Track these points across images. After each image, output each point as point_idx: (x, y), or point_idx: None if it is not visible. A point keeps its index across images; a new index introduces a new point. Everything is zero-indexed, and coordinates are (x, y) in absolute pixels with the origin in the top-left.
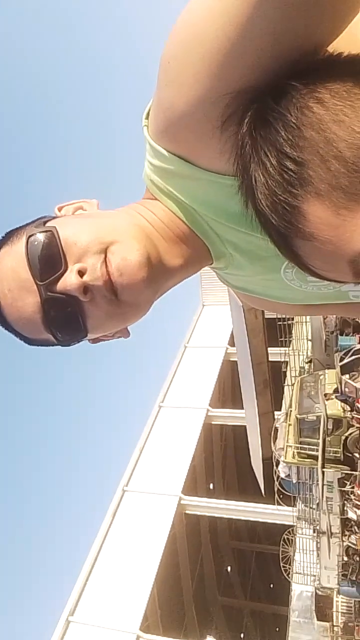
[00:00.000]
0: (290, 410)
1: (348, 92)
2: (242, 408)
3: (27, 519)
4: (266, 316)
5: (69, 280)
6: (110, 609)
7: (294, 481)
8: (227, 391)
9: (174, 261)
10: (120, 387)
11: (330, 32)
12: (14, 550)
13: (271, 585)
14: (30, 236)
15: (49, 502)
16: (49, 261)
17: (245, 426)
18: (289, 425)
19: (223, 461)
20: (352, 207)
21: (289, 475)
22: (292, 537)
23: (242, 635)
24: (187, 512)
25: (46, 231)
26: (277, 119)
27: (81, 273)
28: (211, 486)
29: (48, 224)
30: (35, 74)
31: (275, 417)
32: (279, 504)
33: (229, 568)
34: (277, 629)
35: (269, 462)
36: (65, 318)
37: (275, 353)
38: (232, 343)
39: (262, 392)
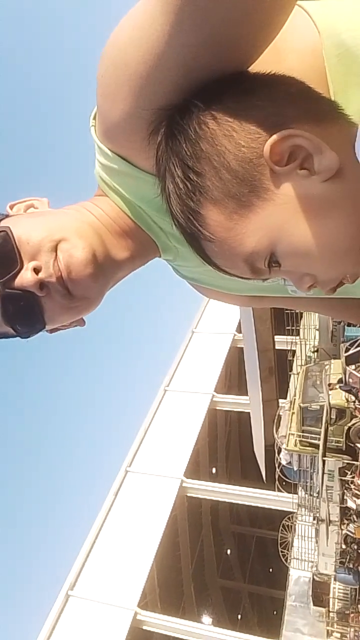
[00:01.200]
0: (295, 399)
1: (237, 110)
2: (247, 395)
3: (33, 495)
4: None
5: (26, 278)
6: (110, 585)
7: (295, 469)
8: (234, 377)
9: (121, 254)
10: (127, 370)
11: (241, 62)
12: (19, 525)
13: (270, 570)
14: None
15: (54, 480)
16: (4, 260)
17: (249, 413)
18: (292, 413)
19: (226, 446)
20: (241, 213)
21: (290, 462)
22: (291, 523)
23: (239, 617)
24: (188, 494)
25: (0, 231)
26: (181, 133)
27: (36, 270)
28: (214, 470)
29: (1, 224)
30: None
31: (280, 404)
32: (279, 490)
33: (228, 551)
34: (275, 612)
35: (271, 449)
36: (23, 312)
37: (282, 341)
38: (239, 330)
39: (266, 379)
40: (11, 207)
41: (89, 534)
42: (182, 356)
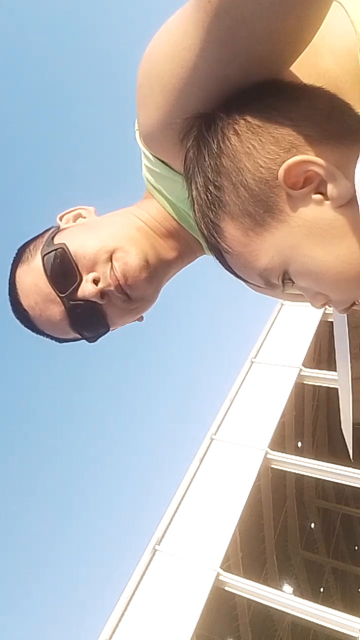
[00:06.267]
0: None
1: (259, 127)
2: (336, 370)
3: (125, 454)
4: None
5: (87, 290)
6: (194, 546)
7: None
8: (323, 352)
9: (170, 254)
10: (215, 340)
11: (273, 72)
12: (110, 481)
13: (355, 547)
14: (45, 255)
15: (144, 442)
16: (65, 275)
17: (337, 389)
18: None
19: (313, 421)
20: (257, 231)
21: None
22: None
23: (321, 590)
24: (272, 466)
25: (58, 248)
26: (205, 145)
27: (95, 281)
28: (299, 444)
29: (56, 239)
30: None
31: None
32: None
33: (312, 525)
34: (359, 590)
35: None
36: (89, 320)
37: None
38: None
39: (357, 356)
40: (60, 219)
41: (175, 494)
42: (269, 329)
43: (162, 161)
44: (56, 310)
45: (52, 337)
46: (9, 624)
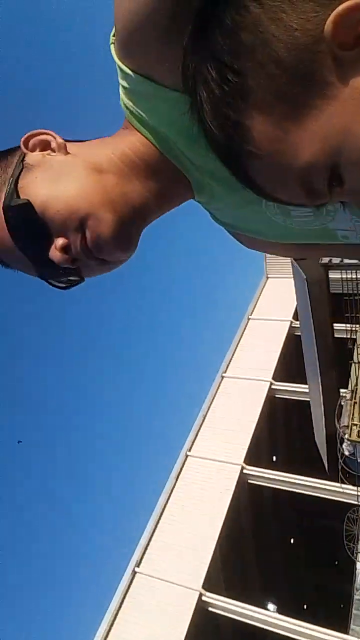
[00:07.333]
0: (356, 388)
1: None
2: (306, 382)
3: (101, 473)
4: (332, 290)
5: (56, 257)
6: (175, 566)
7: (359, 460)
8: (292, 365)
9: (150, 202)
10: (183, 355)
11: None
12: (87, 502)
13: (336, 562)
14: (7, 210)
15: (116, 463)
16: (33, 238)
17: (308, 402)
18: (355, 403)
19: (286, 435)
20: (295, 117)
21: (353, 453)
22: (356, 516)
23: (305, 607)
24: (249, 481)
25: (22, 205)
26: (214, 25)
27: (65, 250)
28: (274, 459)
29: (21, 187)
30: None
31: (341, 394)
32: (343, 482)
33: (292, 540)
34: (342, 606)
35: (333, 440)
36: (62, 277)
37: (341, 329)
38: (297, 317)
39: (325, 368)
40: (26, 144)
41: (152, 513)
42: (238, 342)
43: (145, 76)
44: (23, 265)
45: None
46: None
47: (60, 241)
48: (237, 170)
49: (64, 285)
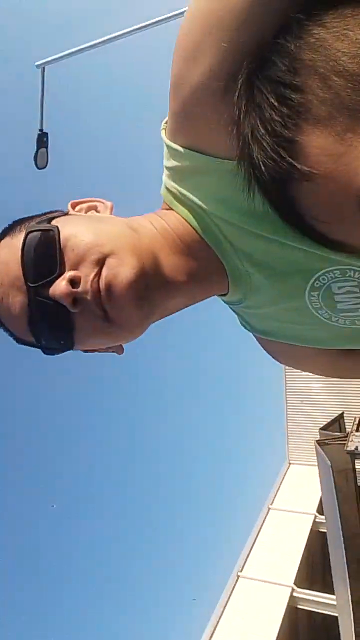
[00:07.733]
0: None
1: (351, 14)
2: (334, 591)
3: (144, 602)
4: (359, 482)
5: (59, 287)
6: None
7: None
8: (317, 568)
9: (178, 277)
10: (198, 551)
11: None
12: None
13: None
14: (29, 232)
15: (166, 586)
16: (44, 263)
17: (337, 617)
18: None
19: None
20: (358, 129)
21: None
22: None
23: None
24: None
25: (47, 230)
26: (275, 51)
27: (73, 282)
28: None
29: (53, 222)
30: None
31: None
32: None
33: None
34: None
35: None
36: (50, 325)
37: None
38: (320, 510)
39: (356, 573)
40: (73, 206)
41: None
42: (256, 536)
43: (196, 150)
44: (19, 299)
45: (10, 333)
46: None
47: (71, 273)
48: (282, 202)
49: (52, 345)
